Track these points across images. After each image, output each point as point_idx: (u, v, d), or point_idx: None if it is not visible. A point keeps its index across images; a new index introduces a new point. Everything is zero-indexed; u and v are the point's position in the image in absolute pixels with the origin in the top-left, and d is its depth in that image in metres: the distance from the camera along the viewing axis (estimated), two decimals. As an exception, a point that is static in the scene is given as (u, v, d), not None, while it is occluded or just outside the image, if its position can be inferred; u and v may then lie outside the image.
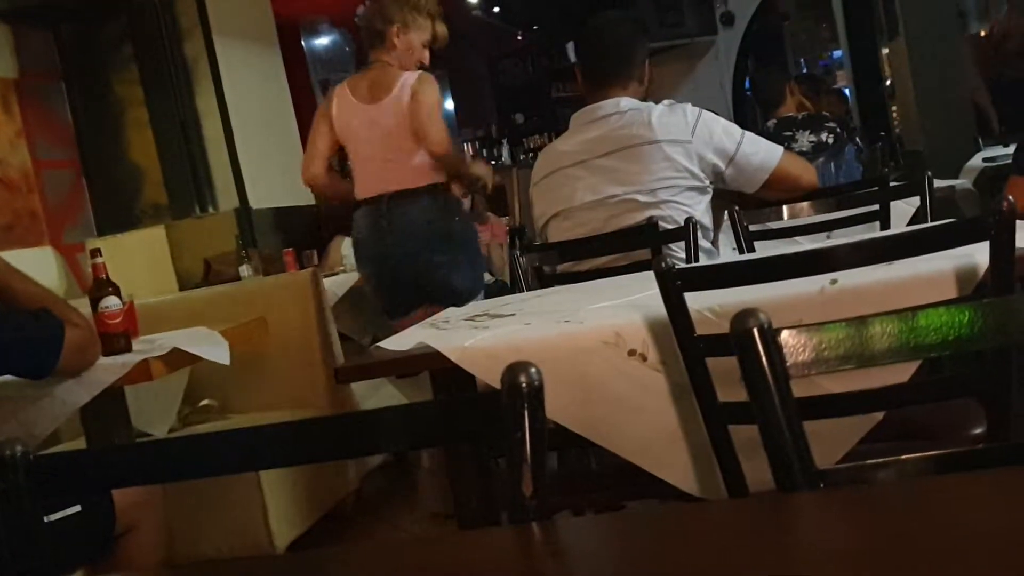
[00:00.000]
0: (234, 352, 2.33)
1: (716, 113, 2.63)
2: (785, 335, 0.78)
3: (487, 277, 4.84)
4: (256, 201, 5.10)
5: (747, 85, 8.83)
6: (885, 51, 5.76)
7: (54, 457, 0.93)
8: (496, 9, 8.28)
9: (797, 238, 2.72)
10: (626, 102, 2.56)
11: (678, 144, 2.47)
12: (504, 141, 8.39)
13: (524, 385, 0.70)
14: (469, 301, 2.70)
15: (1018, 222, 1.72)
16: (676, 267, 1.30)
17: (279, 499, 2.91)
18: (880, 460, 0.81)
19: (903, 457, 0.80)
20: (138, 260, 4.82)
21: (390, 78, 3.35)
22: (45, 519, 0.93)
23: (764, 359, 0.77)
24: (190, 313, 3.28)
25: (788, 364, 0.78)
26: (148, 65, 4.86)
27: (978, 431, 1.48)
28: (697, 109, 2.54)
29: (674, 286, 1.30)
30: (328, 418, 0.85)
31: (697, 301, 1.43)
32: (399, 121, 3.26)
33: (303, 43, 6.22)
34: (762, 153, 2.52)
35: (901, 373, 1.31)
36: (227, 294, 3.53)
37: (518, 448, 0.69)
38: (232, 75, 5.05)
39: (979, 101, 5.59)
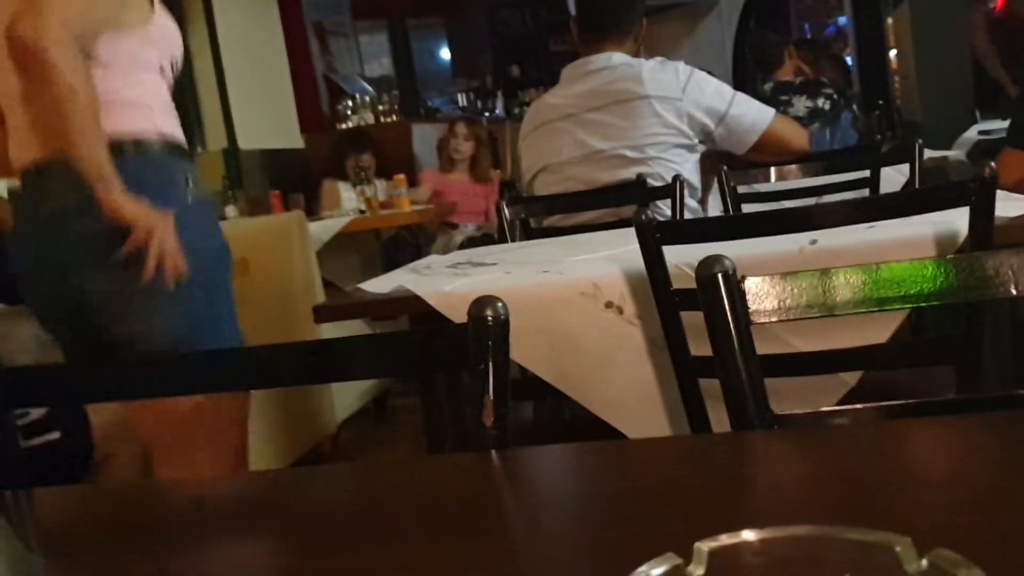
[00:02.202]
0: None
1: (715, 75, 2.61)
2: (750, 282, 0.78)
3: (470, 231, 4.84)
4: (245, 142, 5.05)
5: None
6: (890, 20, 5.70)
7: (27, 369, 0.93)
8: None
9: (785, 202, 2.72)
10: (618, 57, 2.54)
11: (668, 101, 2.45)
12: (499, 93, 8.30)
13: (490, 318, 0.70)
14: None
15: (1008, 193, 1.72)
16: (656, 220, 1.30)
17: (255, 439, 2.92)
18: (838, 407, 0.82)
19: (859, 406, 0.80)
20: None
21: None
22: (23, 443, 0.92)
23: (727, 304, 0.77)
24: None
25: (752, 310, 0.78)
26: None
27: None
28: (689, 68, 2.52)
29: (653, 239, 1.29)
30: (302, 344, 0.85)
31: (676, 256, 1.42)
32: None
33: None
34: (753, 114, 2.51)
35: (879, 333, 1.32)
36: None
37: (481, 380, 0.69)
38: (225, 14, 4.97)
39: (991, 70, 5.56)
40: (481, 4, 9.10)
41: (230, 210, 4.30)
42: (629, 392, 1.41)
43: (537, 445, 1.55)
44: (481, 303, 0.70)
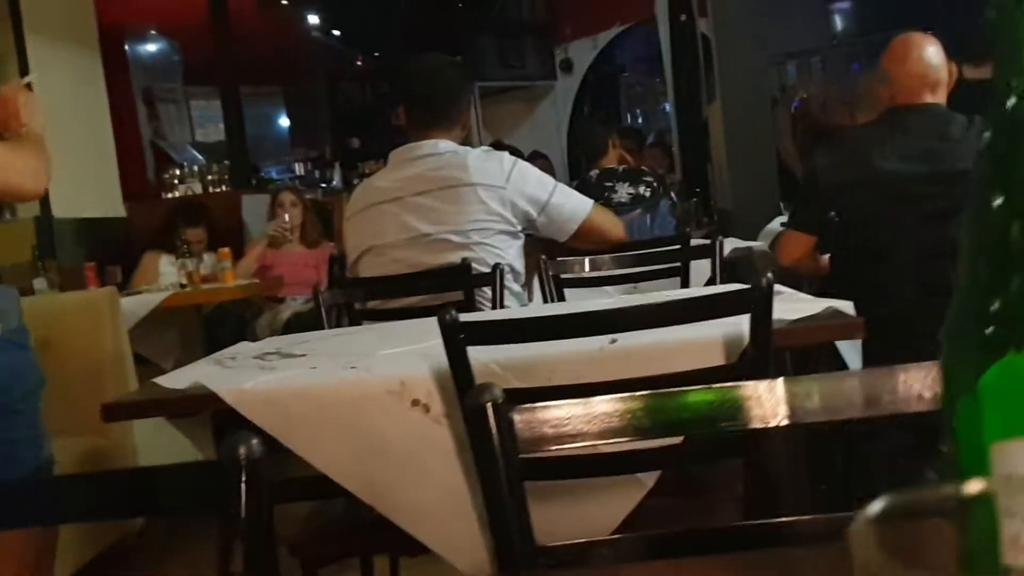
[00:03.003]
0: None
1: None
2: (518, 416, 0.79)
3: (298, 305, 4.73)
4: (60, 209, 4.79)
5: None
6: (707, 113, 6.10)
7: None
8: (336, 32, 8.19)
9: (606, 287, 2.83)
10: (445, 144, 2.58)
11: (493, 189, 2.51)
12: (337, 164, 8.27)
13: (243, 457, 0.67)
14: None
15: (793, 292, 1.84)
16: (459, 320, 1.30)
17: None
18: (598, 539, 0.83)
19: (617, 537, 0.82)
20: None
21: None
22: None
23: (495, 435, 0.77)
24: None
25: (522, 440, 0.78)
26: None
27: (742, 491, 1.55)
28: (513, 158, 2.61)
29: (456, 339, 1.30)
30: (45, 481, 0.79)
31: (485, 353, 1.43)
32: None
33: (127, 49, 5.94)
34: (572, 204, 2.60)
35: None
36: (13, 309, 3.28)
37: (232, 525, 0.65)
38: (43, 73, 4.74)
39: (792, 167, 6.03)
40: (321, 76, 9.10)
41: (39, 283, 4.03)
42: (437, 499, 1.39)
43: (336, 545, 1.50)
44: (233, 441, 0.66)
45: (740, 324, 1.41)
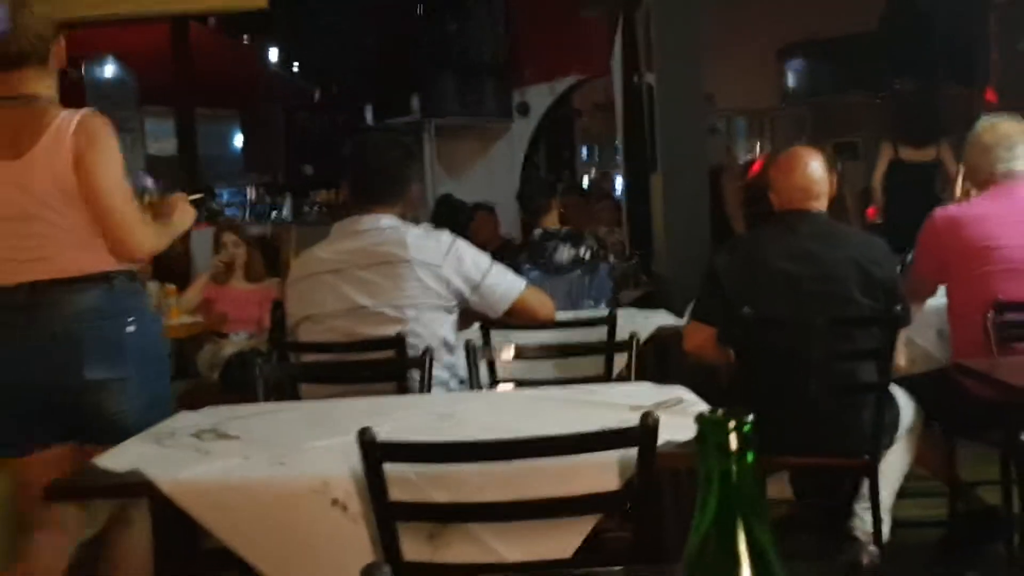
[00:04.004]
0: None
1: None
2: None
3: (241, 341, 4.81)
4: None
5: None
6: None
7: None
8: (295, 66, 8.32)
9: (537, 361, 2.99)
10: (387, 220, 2.72)
11: (429, 267, 2.66)
12: (288, 193, 8.36)
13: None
14: (134, 434, 2.00)
15: (691, 402, 2.02)
16: (376, 440, 1.45)
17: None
18: None
19: None
20: None
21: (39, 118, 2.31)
22: None
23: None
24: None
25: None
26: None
27: None
28: (451, 237, 2.75)
29: (374, 456, 1.45)
30: None
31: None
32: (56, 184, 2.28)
33: (84, 76, 5.99)
34: (505, 285, 2.76)
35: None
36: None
37: None
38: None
39: (737, 228, 6.30)
40: (278, 105, 9.19)
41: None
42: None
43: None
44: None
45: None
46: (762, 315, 2.53)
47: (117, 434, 1.99)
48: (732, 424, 0.51)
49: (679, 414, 1.84)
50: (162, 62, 6.11)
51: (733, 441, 0.51)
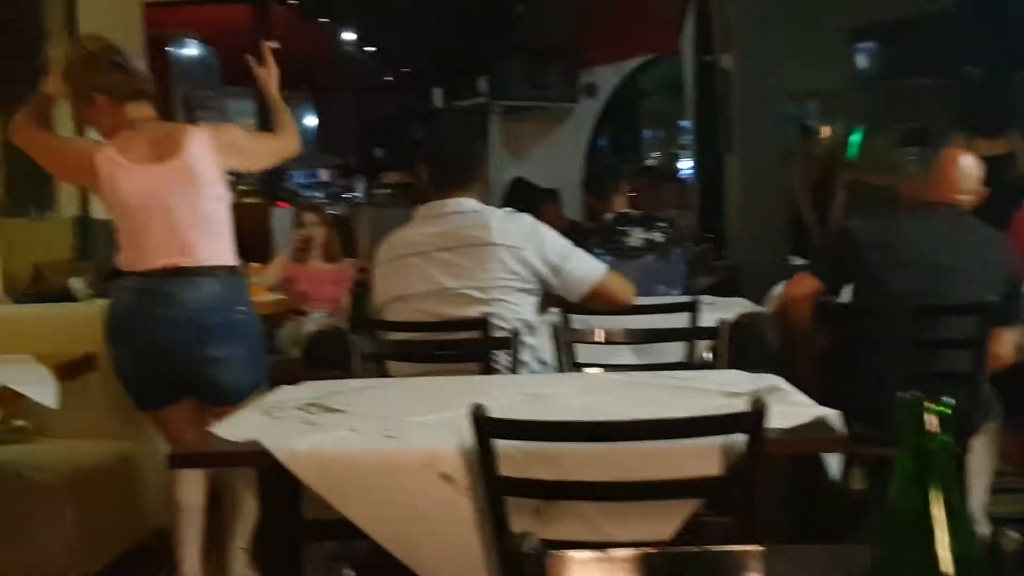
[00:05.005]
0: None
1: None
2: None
3: (321, 319, 4.94)
4: (100, 211, 4.99)
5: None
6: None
7: None
8: (369, 48, 8.42)
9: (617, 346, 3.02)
10: (469, 203, 2.79)
11: (512, 249, 2.71)
12: (360, 173, 8.48)
13: None
14: (242, 400, 2.46)
15: (787, 390, 2.01)
16: (486, 416, 1.50)
17: (81, 531, 2.95)
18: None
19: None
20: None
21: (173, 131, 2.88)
22: None
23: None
24: (17, 330, 3.25)
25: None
26: (8, 62, 4.70)
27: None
28: (532, 220, 2.80)
29: (484, 431, 1.50)
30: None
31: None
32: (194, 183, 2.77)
33: (169, 57, 6.15)
34: (585, 269, 2.80)
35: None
36: (57, 315, 3.49)
37: None
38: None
39: (805, 215, 6.20)
40: (350, 87, 9.31)
41: (76, 283, 4.22)
42: (453, 562, 1.59)
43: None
44: None
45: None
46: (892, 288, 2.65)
47: (228, 399, 2.55)
48: (932, 407, 0.54)
49: (778, 401, 1.85)
50: (243, 43, 6.23)
51: (933, 423, 0.54)
